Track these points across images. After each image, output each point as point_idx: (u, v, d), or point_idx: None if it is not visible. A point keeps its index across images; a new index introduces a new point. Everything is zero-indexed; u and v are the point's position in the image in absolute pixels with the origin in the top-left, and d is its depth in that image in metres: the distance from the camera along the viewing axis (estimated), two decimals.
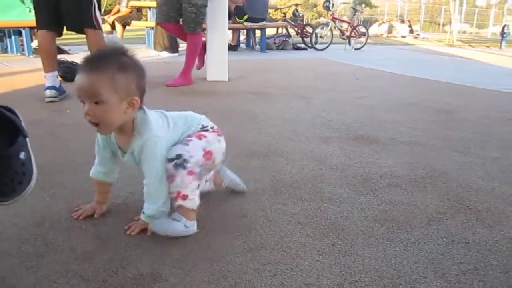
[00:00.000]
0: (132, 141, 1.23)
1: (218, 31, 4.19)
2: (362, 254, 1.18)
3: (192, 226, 1.25)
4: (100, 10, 3.15)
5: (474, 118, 2.90)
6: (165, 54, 6.54)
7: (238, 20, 7.43)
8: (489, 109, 3.24)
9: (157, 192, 1.24)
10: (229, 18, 5.60)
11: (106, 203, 1.39)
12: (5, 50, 6.65)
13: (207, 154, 1.28)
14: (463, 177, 1.79)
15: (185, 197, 1.23)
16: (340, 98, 3.50)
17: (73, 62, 3.78)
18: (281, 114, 2.87)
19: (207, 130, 1.34)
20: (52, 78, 3.11)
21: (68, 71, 3.52)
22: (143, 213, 1.26)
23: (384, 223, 1.36)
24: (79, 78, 1.13)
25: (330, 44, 8.80)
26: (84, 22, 3.05)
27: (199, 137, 1.30)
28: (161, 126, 1.26)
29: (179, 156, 1.21)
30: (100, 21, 3.17)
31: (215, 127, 1.38)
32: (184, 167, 1.21)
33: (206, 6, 3.83)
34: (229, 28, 6.34)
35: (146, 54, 6.53)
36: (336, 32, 9.50)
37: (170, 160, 1.21)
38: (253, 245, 1.21)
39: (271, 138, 2.28)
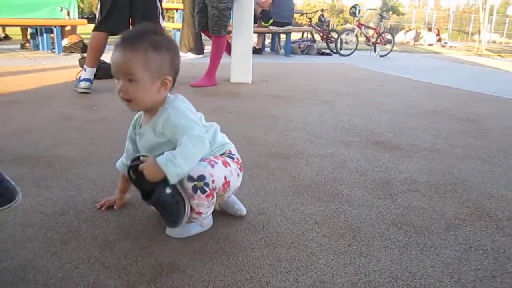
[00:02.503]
0: (157, 115, 1.20)
1: (243, 34, 4.24)
2: (377, 255, 1.19)
3: (207, 223, 1.27)
4: (163, 16, 3.41)
5: (499, 128, 2.86)
6: (191, 55, 6.62)
7: (263, 24, 7.47)
8: None
9: (192, 156, 1.13)
10: (255, 22, 5.65)
11: (127, 192, 1.41)
12: (36, 48, 6.86)
13: (226, 184, 1.22)
14: (484, 185, 1.76)
15: (200, 213, 1.21)
16: (363, 103, 3.49)
17: (102, 60, 3.87)
18: (303, 117, 2.88)
19: (233, 159, 1.28)
20: (90, 72, 3.35)
21: (98, 69, 3.62)
22: (167, 160, 1.10)
23: (401, 226, 1.36)
24: (114, 55, 1.16)
25: (355, 50, 8.76)
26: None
27: (224, 164, 1.23)
28: (192, 112, 1.22)
29: (200, 178, 1.15)
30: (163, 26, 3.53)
31: (240, 159, 1.31)
32: (204, 191, 1.16)
33: (229, 8, 3.89)
34: (255, 32, 6.39)
35: None
36: (362, 39, 9.44)
37: (190, 179, 1.15)
38: (269, 242, 1.23)
39: (292, 140, 2.30)
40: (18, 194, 1.04)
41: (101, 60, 3.84)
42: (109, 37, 3.37)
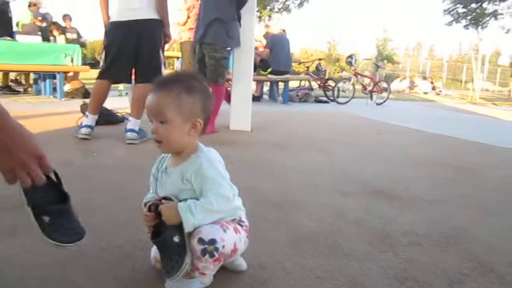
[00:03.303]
0: (188, 162, 1.20)
1: (243, 82, 4.33)
2: None
3: (208, 280, 1.24)
4: (165, 65, 3.49)
5: (497, 177, 2.87)
6: None
7: (262, 72, 7.65)
8: None
9: (212, 212, 1.16)
10: (254, 70, 5.79)
11: None
12: (38, 92, 6.97)
13: (234, 251, 1.20)
14: (485, 237, 1.76)
15: (204, 274, 1.19)
16: (360, 152, 3.52)
17: (103, 107, 3.93)
18: (301, 165, 2.89)
19: (242, 226, 1.27)
20: (92, 119, 3.40)
21: (99, 115, 3.66)
22: (187, 208, 1.13)
23: (404, 282, 1.35)
24: (149, 98, 1.19)
25: (352, 98, 8.91)
26: (154, 76, 3.48)
27: (236, 230, 1.22)
28: (223, 168, 1.23)
29: (211, 242, 1.13)
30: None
31: (248, 227, 1.30)
32: (212, 256, 1.14)
33: (226, 58, 4.02)
34: (254, 80, 6.52)
35: None
36: (358, 87, 9.64)
37: (201, 242, 1.13)
38: None
39: (289, 189, 2.30)
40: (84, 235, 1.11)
41: (103, 106, 3.90)
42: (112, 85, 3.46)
